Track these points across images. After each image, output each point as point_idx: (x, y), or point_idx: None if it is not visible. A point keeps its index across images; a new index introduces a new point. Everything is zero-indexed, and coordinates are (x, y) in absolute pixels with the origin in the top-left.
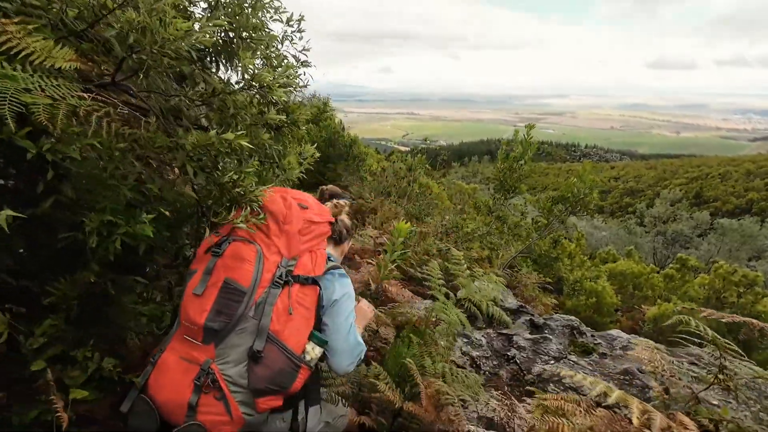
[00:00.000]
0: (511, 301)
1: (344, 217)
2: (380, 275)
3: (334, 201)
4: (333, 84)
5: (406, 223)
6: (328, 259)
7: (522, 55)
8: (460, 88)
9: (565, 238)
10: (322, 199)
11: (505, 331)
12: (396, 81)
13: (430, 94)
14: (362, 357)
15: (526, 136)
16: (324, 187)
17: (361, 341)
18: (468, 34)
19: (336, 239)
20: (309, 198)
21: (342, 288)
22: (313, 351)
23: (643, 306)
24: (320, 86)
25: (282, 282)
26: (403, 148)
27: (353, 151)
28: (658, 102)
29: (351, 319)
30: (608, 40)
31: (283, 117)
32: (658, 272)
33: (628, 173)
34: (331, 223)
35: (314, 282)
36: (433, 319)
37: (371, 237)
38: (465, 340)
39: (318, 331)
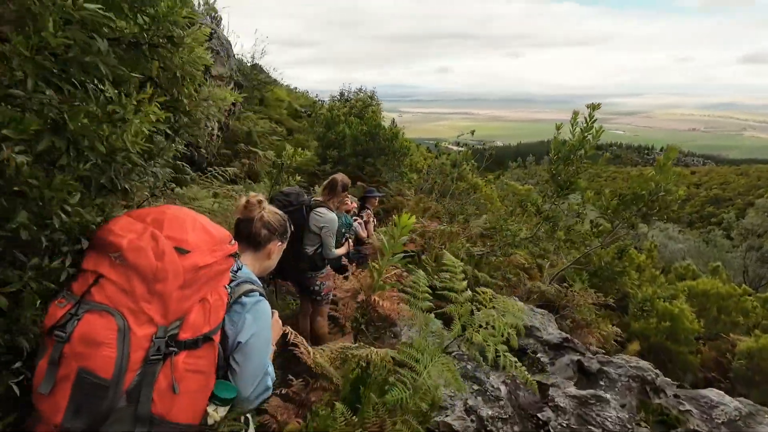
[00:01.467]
0: (553, 332)
1: (266, 214)
2: (374, 285)
3: (254, 196)
4: (389, 85)
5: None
6: (239, 283)
7: (590, 52)
8: (519, 88)
9: (635, 247)
10: (333, 192)
11: (538, 377)
12: (453, 81)
13: (488, 93)
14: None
15: (588, 118)
16: (336, 176)
17: (270, 384)
18: (532, 31)
19: (254, 245)
20: (189, 230)
21: (254, 322)
22: (217, 413)
23: (731, 335)
24: (376, 87)
25: (161, 355)
26: (456, 148)
27: (394, 145)
28: (751, 101)
29: (265, 361)
30: (693, 35)
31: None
32: (750, 294)
33: (712, 179)
34: (250, 232)
35: (208, 339)
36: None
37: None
38: (475, 386)
39: (224, 372)
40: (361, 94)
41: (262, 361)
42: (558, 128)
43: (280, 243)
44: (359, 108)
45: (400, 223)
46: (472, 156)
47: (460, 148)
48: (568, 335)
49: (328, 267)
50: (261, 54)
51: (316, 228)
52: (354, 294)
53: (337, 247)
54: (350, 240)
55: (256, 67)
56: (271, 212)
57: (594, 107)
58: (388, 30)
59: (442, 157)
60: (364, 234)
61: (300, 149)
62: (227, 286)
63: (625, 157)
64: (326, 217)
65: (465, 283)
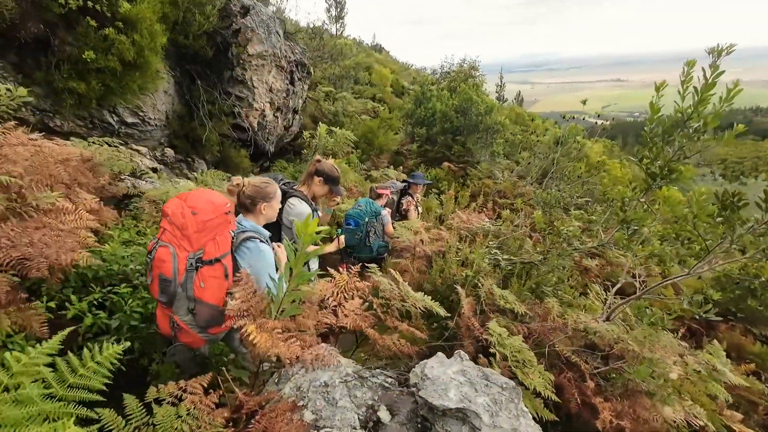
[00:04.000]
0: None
1: (246, 189)
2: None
3: (233, 181)
4: (520, 55)
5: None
6: (242, 231)
7: None
8: (688, 44)
9: None
10: (310, 180)
11: None
12: (597, 44)
13: (642, 55)
14: None
15: (710, 71)
16: (321, 163)
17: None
18: None
19: (246, 207)
20: (200, 201)
21: (251, 256)
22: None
23: None
24: (504, 56)
25: (193, 268)
26: (599, 122)
27: (486, 121)
28: None
29: (264, 277)
30: None
31: None
32: None
33: None
34: (241, 202)
35: (218, 261)
36: None
37: (439, 230)
38: None
39: None
40: (465, 65)
41: (261, 279)
42: (660, 88)
43: (265, 203)
44: (458, 81)
45: (301, 229)
46: (599, 130)
47: (601, 121)
48: None
49: (312, 262)
50: (372, 38)
51: (286, 221)
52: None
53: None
54: (340, 238)
55: (361, 46)
56: (249, 185)
57: (721, 51)
58: None
59: (548, 134)
60: (391, 229)
61: (339, 129)
62: (231, 232)
63: None
64: (295, 209)
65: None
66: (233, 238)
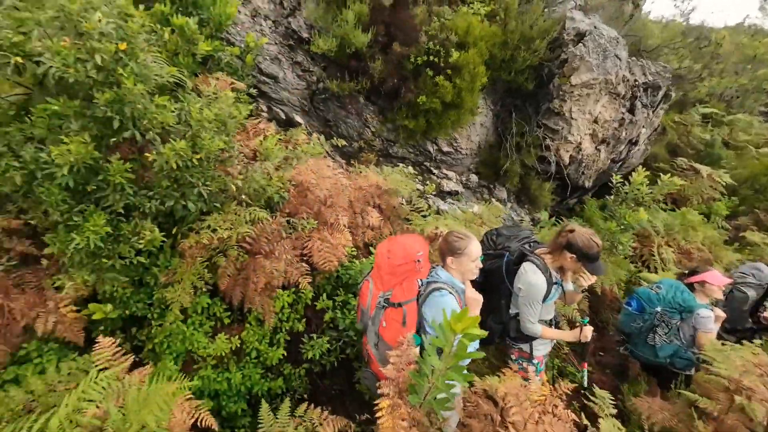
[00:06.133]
0: None
1: (441, 240)
2: None
3: (431, 230)
4: None
5: None
6: (434, 281)
7: None
8: None
9: None
10: (558, 248)
11: None
12: None
13: None
14: None
15: None
16: (574, 233)
17: None
18: None
19: (441, 259)
20: (396, 245)
21: (433, 308)
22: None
23: None
24: None
25: (381, 306)
26: None
27: None
28: None
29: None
30: None
31: None
32: None
33: None
34: (447, 251)
35: (400, 305)
36: None
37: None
38: None
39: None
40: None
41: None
42: None
43: (452, 258)
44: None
45: (449, 326)
46: None
47: None
48: None
49: (540, 344)
50: None
51: (515, 287)
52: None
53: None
54: (584, 329)
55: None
56: (442, 239)
57: None
58: None
59: None
60: (708, 341)
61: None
62: (419, 280)
63: None
64: (524, 277)
65: None
66: (421, 287)
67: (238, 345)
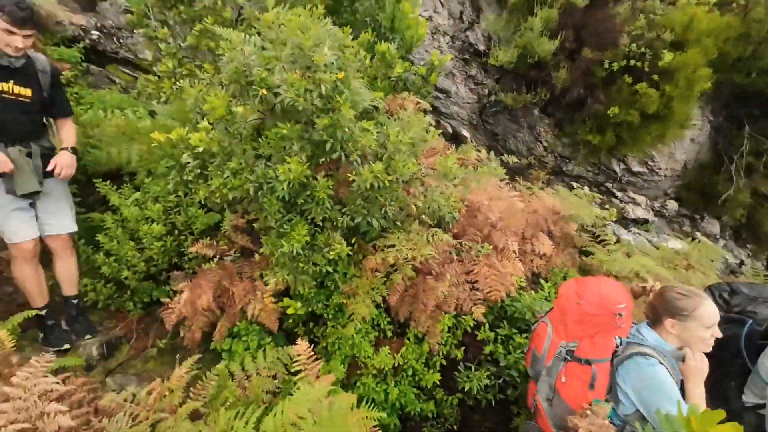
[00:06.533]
0: None
1: (652, 297)
2: None
3: (632, 287)
4: None
5: None
6: (637, 343)
7: None
8: None
9: None
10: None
11: None
12: None
13: None
14: None
15: None
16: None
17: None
18: None
19: (650, 320)
20: (590, 290)
21: (638, 378)
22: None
23: None
24: None
25: (562, 357)
26: None
27: None
28: None
29: (652, 410)
30: None
31: None
32: None
33: None
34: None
35: (588, 363)
36: None
37: None
38: None
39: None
40: None
41: (648, 404)
42: None
43: (673, 320)
44: None
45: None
46: None
47: None
48: None
49: None
50: None
51: (762, 367)
52: None
53: None
54: None
55: None
56: (655, 294)
57: None
58: None
59: None
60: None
61: None
62: (618, 338)
63: None
64: None
65: None
66: (618, 346)
67: (401, 363)
